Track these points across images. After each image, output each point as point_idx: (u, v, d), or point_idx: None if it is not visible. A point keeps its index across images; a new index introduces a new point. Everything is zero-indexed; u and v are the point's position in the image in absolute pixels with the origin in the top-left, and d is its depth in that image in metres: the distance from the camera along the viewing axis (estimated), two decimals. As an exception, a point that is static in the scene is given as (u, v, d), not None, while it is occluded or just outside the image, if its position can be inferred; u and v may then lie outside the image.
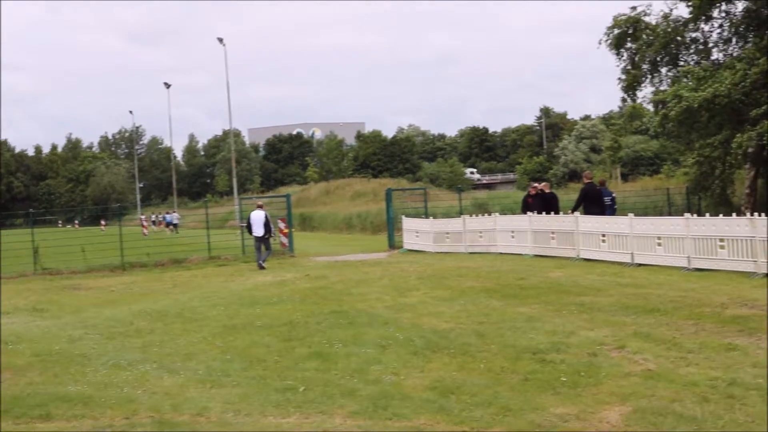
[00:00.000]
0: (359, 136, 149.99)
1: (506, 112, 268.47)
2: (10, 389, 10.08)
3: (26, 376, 10.84)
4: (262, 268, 27.45)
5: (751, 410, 7.85)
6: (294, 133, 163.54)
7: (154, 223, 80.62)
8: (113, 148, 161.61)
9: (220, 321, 15.23)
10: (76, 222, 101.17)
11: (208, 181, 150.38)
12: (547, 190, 29.28)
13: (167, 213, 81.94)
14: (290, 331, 13.58)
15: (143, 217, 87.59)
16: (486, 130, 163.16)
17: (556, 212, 27.19)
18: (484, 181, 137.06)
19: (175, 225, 72.48)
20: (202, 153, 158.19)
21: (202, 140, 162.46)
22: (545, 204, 27.44)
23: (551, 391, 8.91)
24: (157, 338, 13.63)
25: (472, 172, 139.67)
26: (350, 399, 8.98)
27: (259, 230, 28.43)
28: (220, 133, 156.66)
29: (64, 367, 11.29)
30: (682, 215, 21.96)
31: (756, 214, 19.82)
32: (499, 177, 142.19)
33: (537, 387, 9.11)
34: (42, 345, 13.26)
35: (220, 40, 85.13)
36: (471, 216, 31.92)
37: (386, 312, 15.38)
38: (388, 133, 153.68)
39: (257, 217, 28.64)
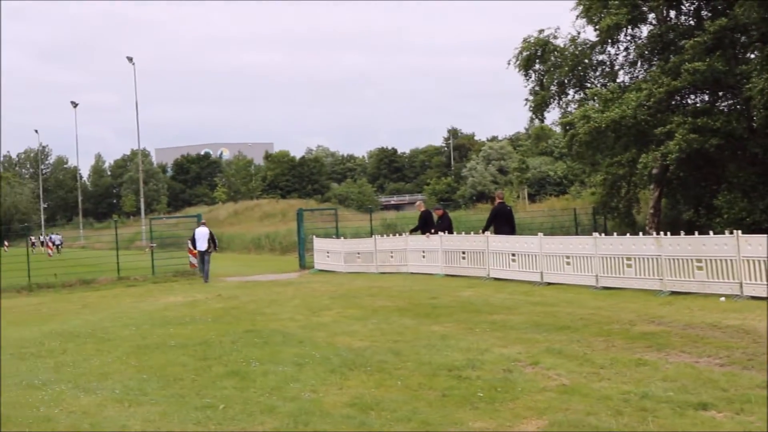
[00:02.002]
0: (267, 157, 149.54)
1: (415, 133, 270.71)
2: None
3: (-63, 396, 10.64)
4: (206, 280, 30.14)
5: (663, 422, 8.05)
6: (202, 153, 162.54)
7: (42, 244, 79.58)
8: (17, 168, 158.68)
9: (133, 341, 15.08)
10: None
11: (115, 201, 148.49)
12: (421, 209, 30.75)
13: (52, 234, 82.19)
14: (205, 350, 13.49)
15: (42, 237, 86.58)
16: (395, 151, 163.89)
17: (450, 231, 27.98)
18: (393, 202, 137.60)
19: (57, 246, 72.05)
20: (109, 173, 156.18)
21: (109, 160, 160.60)
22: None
23: (469, 406, 9.02)
24: (70, 358, 13.45)
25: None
26: (270, 416, 8.98)
27: (202, 244, 30.95)
28: (127, 152, 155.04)
29: (-23, 388, 11.11)
30: (590, 235, 22.33)
31: (661, 233, 20.27)
32: (407, 198, 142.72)
33: (455, 402, 9.21)
34: (-49, 366, 13.01)
35: (130, 59, 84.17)
36: (382, 236, 32.04)
37: (300, 331, 15.39)
38: (297, 153, 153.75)
39: (201, 233, 31.29)
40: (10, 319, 20.62)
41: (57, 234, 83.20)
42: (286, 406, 9.35)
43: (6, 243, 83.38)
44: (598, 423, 8.10)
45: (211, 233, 31.88)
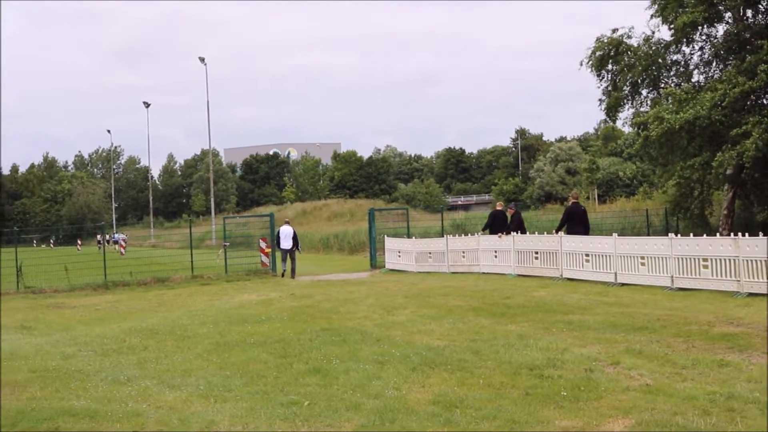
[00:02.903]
0: (335, 156, 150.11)
1: (482, 134, 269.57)
2: (13, 404, 10.05)
3: (27, 391, 10.82)
4: (282, 276, 31.79)
5: (752, 423, 8.02)
6: (270, 153, 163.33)
7: (108, 243, 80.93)
8: (89, 168, 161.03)
9: (212, 338, 15.26)
10: (51, 241, 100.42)
11: (184, 201, 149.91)
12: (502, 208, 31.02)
13: (115, 233, 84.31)
14: (284, 347, 13.63)
15: (108, 236, 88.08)
16: (462, 151, 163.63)
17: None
18: (460, 202, 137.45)
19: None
20: (179, 173, 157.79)
21: (180, 160, 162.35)
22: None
23: (553, 405, 9.05)
24: (152, 355, 13.65)
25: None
26: (356, 413, 9.08)
27: (287, 243, 32.20)
28: (197, 152, 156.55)
29: (64, 383, 11.30)
30: (663, 235, 22.15)
31: (740, 234, 20.01)
32: (474, 198, 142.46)
33: (539, 401, 9.25)
34: (37, 361, 13.24)
35: (202, 59, 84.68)
36: (453, 236, 32.04)
37: (377, 329, 15.47)
38: (365, 153, 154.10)
39: (286, 232, 32.86)
40: (90, 316, 20.98)
41: (121, 234, 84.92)
42: (370, 403, 9.44)
43: (79, 242, 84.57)
44: (685, 423, 8.09)
45: (294, 232, 32.81)
